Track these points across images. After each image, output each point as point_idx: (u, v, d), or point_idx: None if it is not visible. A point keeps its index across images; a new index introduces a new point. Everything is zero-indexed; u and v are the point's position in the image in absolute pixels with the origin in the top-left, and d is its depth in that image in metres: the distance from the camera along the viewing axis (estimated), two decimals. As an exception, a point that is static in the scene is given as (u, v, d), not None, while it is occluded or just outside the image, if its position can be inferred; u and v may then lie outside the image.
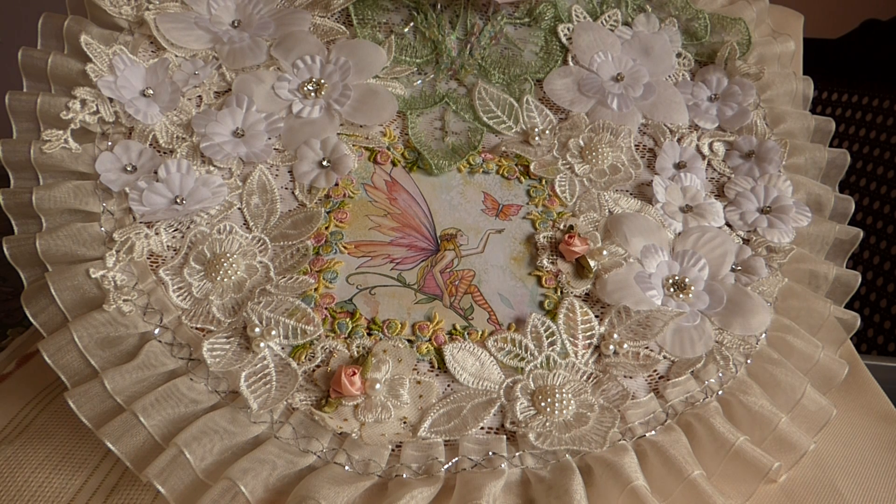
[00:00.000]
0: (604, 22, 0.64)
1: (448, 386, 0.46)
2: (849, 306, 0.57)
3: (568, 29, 0.63)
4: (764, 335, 0.51)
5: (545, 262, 0.51)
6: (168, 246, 0.48)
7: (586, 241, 0.52)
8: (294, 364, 0.44)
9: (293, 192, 0.52)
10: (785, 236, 0.56)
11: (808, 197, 0.60)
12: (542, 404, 0.45)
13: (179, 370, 0.44)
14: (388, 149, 0.56)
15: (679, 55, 0.65)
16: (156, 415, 0.41)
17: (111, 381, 0.42)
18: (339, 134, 0.55)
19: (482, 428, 0.44)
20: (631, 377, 0.47)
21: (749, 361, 0.50)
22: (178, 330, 0.45)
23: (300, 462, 0.41)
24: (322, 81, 0.56)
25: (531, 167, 0.56)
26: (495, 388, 0.46)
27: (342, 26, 0.59)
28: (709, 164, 0.60)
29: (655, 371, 0.48)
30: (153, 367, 0.43)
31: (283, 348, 0.45)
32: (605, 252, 0.52)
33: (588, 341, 0.48)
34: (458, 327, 0.48)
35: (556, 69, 0.61)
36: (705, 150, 0.61)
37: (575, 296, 0.50)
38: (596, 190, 0.56)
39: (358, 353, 0.45)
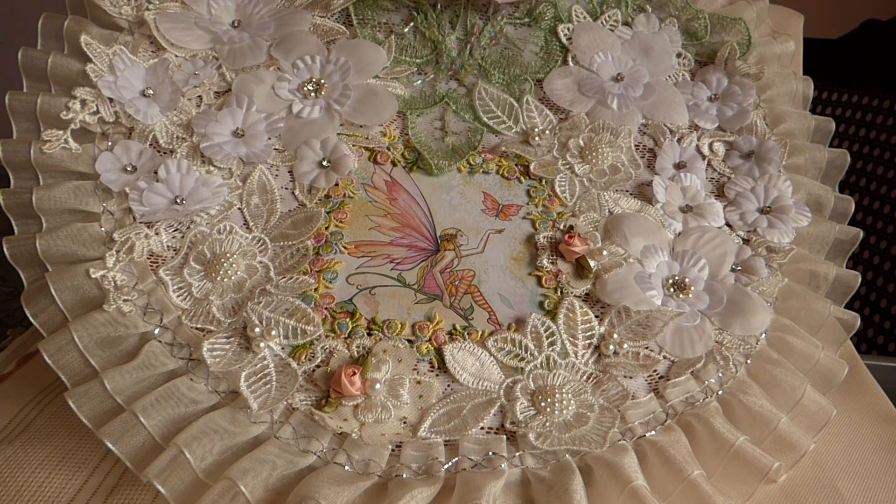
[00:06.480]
0: (604, 22, 0.64)
1: (448, 386, 0.46)
2: (849, 306, 0.57)
3: (568, 29, 0.63)
4: (764, 335, 0.51)
5: (545, 262, 0.51)
6: (168, 246, 0.48)
7: (586, 241, 0.52)
8: (294, 364, 0.44)
9: (293, 192, 0.52)
10: (785, 236, 0.56)
11: (808, 197, 0.60)
12: (542, 404, 0.45)
13: (179, 370, 0.44)
14: (388, 149, 0.56)
15: (679, 55, 0.65)
16: (156, 415, 0.41)
17: (111, 381, 0.42)
18: (339, 134, 0.55)
19: (482, 428, 0.44)
20: (631, 377, 0.47)
21: (749, 361, 0.50)
22: (178, 330, 0.45)
23: (300, 462, 0.41)
24: (322, 81, 0.56)
25: (531, 167, 0.56)
26: (495, 388, 0.46)
27: (342, 26, 0.59)
28: (709, 164, 0.60)
29: (655, 371, 0.48)
30: (153, 367, 0.43)
31: (283, 348, 0.45)
32: (605, 252, 0.52)
33: (588, 341, 0.48)
34: (458, 327, 0.48)
35: (556, 69, 0.61)
36: (705, 151, 0.61)
37: (575, 296, 0.50)
38: (596, 190, 0.56)
39: (358, 353, 0.45)
